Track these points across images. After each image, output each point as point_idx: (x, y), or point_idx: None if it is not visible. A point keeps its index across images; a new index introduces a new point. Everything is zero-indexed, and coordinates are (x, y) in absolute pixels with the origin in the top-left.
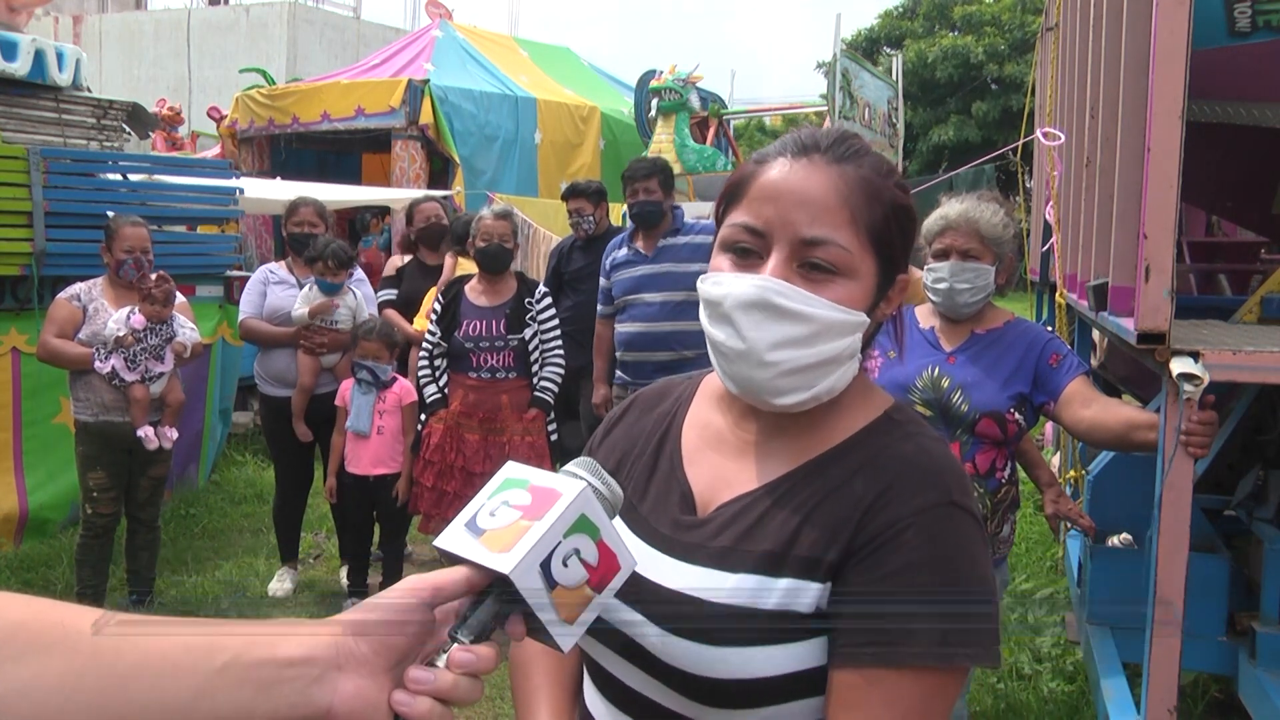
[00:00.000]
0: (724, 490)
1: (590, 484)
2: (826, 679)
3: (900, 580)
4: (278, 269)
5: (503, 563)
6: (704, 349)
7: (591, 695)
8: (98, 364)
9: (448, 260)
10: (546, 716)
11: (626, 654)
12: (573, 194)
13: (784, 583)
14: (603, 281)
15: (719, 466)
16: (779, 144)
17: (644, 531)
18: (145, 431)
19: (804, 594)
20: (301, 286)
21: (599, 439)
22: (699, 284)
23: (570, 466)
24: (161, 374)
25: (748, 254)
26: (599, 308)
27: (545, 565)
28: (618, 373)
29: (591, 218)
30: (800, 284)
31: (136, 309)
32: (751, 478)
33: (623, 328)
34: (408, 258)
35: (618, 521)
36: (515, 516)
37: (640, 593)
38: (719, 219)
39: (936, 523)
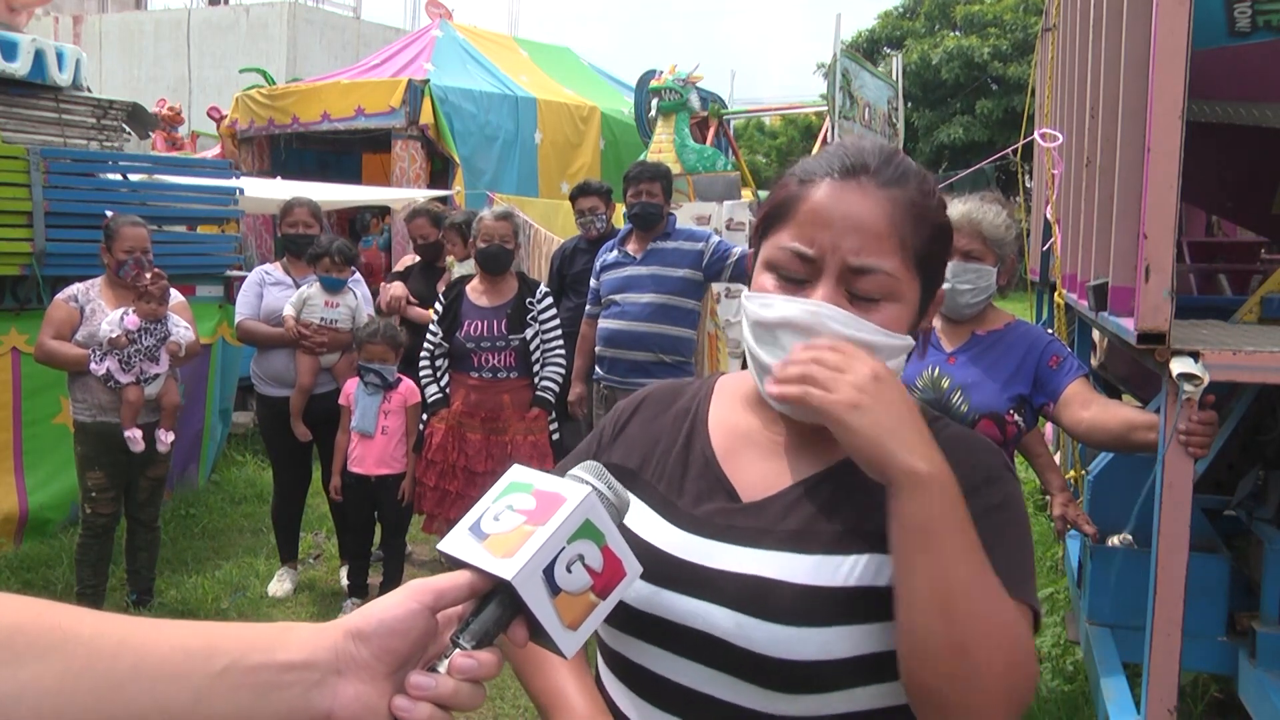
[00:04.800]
0: (771, 484)
1: (596, 489)
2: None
3: (989, 521)
4: (274, 270)
5: (505, 568)
6: (681, 354)
7: (623, 697)
8: (93, 366)
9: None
10: (574, 689)
11: (689, 651)
12: (585, 193)
13: (863, 558)
14: (592, 282)
15: (757, 464)
16: (824, 162)
17: (690, 524)
18: (132, 434)
19: (885, 568)
20: (298, 287)
21: (609, 436)
22: (743, 299)
23: (576, 470)
24: (157, 375)
25: (800, 283)
26: (586, 307)
27: (549, 571)
28: (596, 369)
29: (604, 216)
30: (849, 309)
31: (131, 310)
32: (800, 470)
33: (605, 324)
34: (417, 258)
35: (653, 522)
36: (519, 521)
37: (705, 581)
38: (760, 234)
39: (1008, 484)
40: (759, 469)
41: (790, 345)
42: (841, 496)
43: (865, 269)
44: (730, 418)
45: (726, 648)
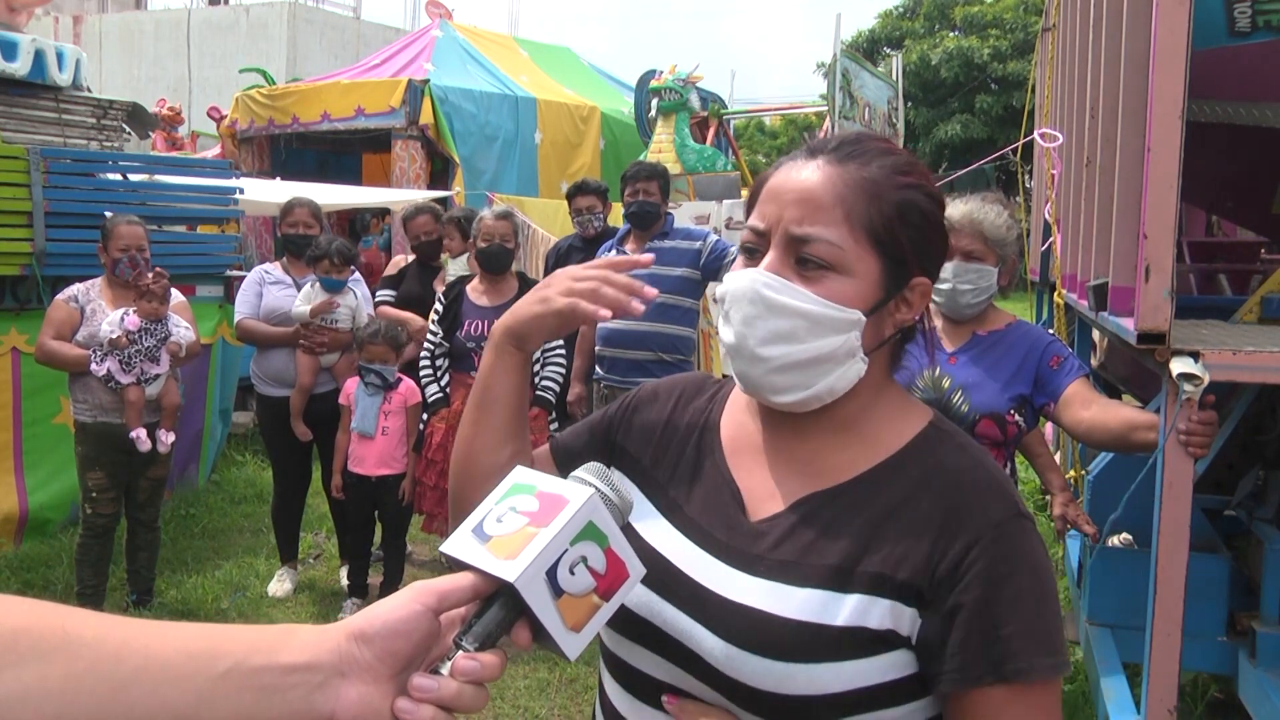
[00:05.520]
0: (773, 498)
1: (599, 490)
2: (890, 693)
3: (1000, 598)
4: (273, 269)
5: (508, 570)
6: (681, 353)
7: (622, 701)
8: (94, 366)
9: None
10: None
11: (682, 663)
12: (582, 191)
13: (853, 599)
14: None
15: (761, 473)
16: (799, 148)
17: (696, 535)
18: (138, 434)
19: (874, 610)
20: (298, 287)
21: (629, 417)
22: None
23: (579, 472)
24: (157, 376)
25: (753, 253)
26: None
27: (551, 573)
28: (595, 368)
29: (600, 215)
30: (794, 280)
31: (131, 310)
32: (801, 486)
33: (603, 323)
34: (412, 257)
35: (659, 526)
36: (522, 523)
37: (700, 602)
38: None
39: (1014, 537)
40: (764, 478)
41: (735, 317)
42: (842, 522)
43: (806, 238)
44: (738, 419)
45: (717, 673)
